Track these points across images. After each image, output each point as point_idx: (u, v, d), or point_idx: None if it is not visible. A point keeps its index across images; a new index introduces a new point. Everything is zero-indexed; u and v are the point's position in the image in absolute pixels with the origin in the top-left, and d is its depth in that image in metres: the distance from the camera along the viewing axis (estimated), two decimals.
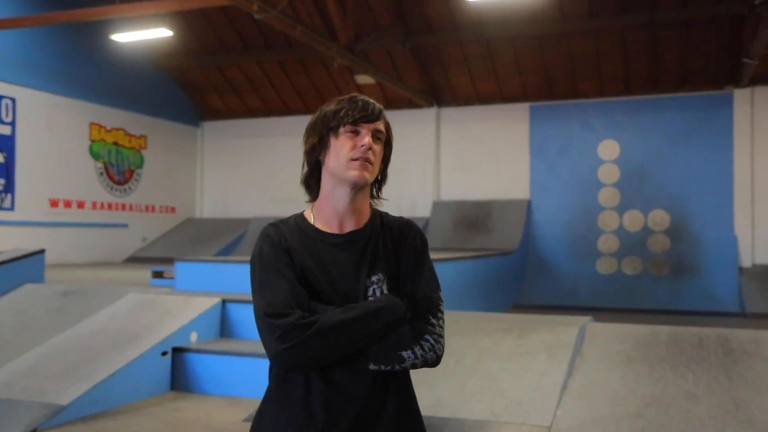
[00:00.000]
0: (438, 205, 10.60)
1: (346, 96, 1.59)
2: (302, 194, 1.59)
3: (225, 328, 5.22)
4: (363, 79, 10.22)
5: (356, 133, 1.54)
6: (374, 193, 1.62)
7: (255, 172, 11.82)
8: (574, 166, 10.32)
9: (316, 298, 1.51)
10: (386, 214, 1.63)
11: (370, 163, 1.53)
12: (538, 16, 9.19)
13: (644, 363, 3.97)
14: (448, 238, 9.97)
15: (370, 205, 1.62)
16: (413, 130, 10.80)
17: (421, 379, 2.93)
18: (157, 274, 6.76)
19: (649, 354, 4.06)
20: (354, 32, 8.73)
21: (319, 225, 1.58)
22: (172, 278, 6.22)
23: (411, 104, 10.87)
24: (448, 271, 6.31)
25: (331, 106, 1.57)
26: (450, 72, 10.39)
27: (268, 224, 1.59)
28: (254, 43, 10.52)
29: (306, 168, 1.58)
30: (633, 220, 9.95)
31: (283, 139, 11.54)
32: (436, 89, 10.61)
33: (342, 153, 1.52)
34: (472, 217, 10.16)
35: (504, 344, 4.37)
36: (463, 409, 3.54)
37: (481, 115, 10.75)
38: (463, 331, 4.36)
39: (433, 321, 1.53)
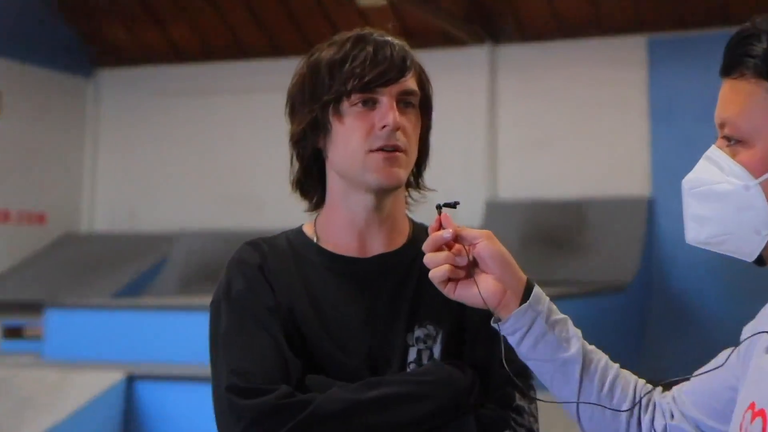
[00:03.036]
0: (494, 208, 8.84)
1: (347, 35, 1.32)
2: (280, 196, 1.48)
3: (133, 427, 4.64)
4: None
5: (371, 103, 1.27)
6: (414, 184, 1.38)
7: (188, 154, 9.78)
8: None
9: (316, 368, 1.26)
10: None
11: (402, 151, 1.28)
12: None
13: None
14: None
15: (407, 214, 1.40)
16: (451, 83, 8.50)
17: None
18: (13, 332, 6.41)
19: None
20: None
21: (328, 245, 1.34)
22: (39, 338, 5.82)
23: (446, 40, 8.92)
24: None
25: (324, 53, 1.31)
26: None
27: (245, 244, 1.36)
28: None
29: (297, 163, 1.35)
30: None
31: (236, 98, 9.46)
32: (489, 14, 8.75)
33: (353, 142, 1.27)
34: (552, 227, 8.59)
35: None
36: None
37: (565, 56, 8.72)
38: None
39: (521, 404, 1.29)
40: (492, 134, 9.05)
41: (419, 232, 1.37)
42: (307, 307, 1.29)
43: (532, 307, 1.18)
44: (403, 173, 1.30)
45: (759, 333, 1.07)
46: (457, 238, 1.17)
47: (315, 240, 1.36)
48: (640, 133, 8.38)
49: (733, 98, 1.04)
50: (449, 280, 1.17)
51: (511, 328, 1.17)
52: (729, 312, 7.82)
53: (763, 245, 1.01)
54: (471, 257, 1.18)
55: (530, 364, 1.20)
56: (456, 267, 1.17)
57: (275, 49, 9.47)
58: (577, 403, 1.19)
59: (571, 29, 8.64)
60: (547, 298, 1.20)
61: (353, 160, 1.28)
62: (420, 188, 1.39)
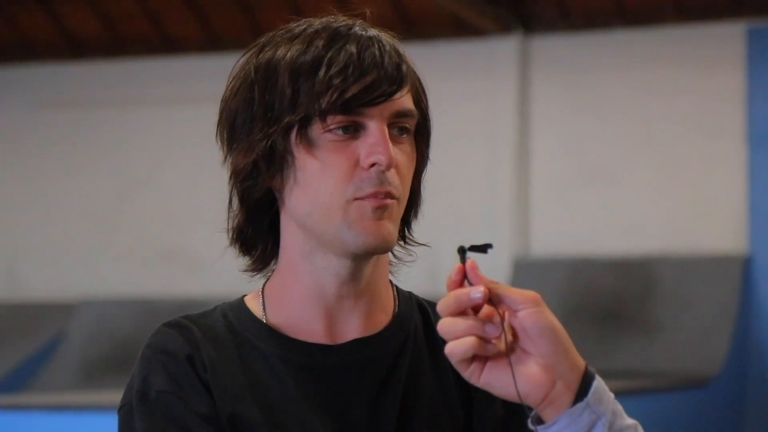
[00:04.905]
0: (525, 268, 8.59)
1: (313, 24, 1.26)
2: (223, 250, 1.37)
3: None
4: None
5: (353, 130, 1.23)
6: (402, 236, 1.38)
7: (92, 190, 9.54)
8: None
9: None
10: (435, 305, 1.32)
11: (395, 198, 1.26)
12: None
13: None
14: None
15: (390, 281, 1.40)
16: (465, 88, 8.52)
17: None
18: None
19: None
20: None
21: (283, 327, 1.31)
22: None
23: (460, 28, 8.71)
24: None
25: (283, 51, 1.24)
26: None
27: (164, 326, 1.30)
28: None
29: (238, 208, 1.30)
30: None
31: (160, 110, 9.17)
32: None
33: (328, 185, 1.24)
34: (607, 296, 8.28)
35: None
36: None
37: (628, 52, 8.27)
38: None
39: None
40: (522, 164, 8.46)
41: (407, 304, 1.36)
42: (256, 414, 1.24)
43: (592, 407, 1.11)
44: (394, 229, 1.26)
45: None
46: (490, 300, 1.10)
47: (263, 318, 1.30)
48: (733, 164, 7.90)
49: None
50: (473, 358, 1.10)
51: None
52: None
53: None
54: (506, 327, 1.11)
55: None
56: (485, 340, 1.10)
57: (215, 42, 8.98)
58: None
59: (638, 13, 8.15)
60: (611, 395, 1.15)
61: (329, 210, 1.22)
62: (407, 243, 1.35)
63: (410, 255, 1.35)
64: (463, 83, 8.47)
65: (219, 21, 9.06)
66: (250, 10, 8.70)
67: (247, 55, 1.25)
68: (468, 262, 1.09)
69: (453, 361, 1.09)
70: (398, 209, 1.26)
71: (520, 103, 8.45)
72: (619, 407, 1.14)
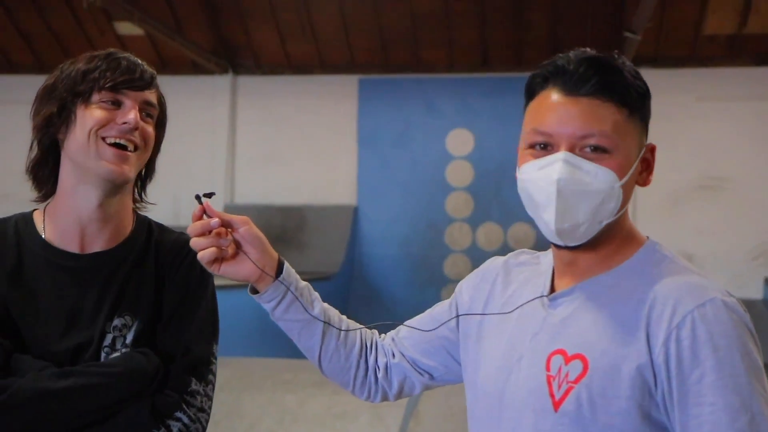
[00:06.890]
0: (232, 211, 8.23)
1: (103, 52, 1.49)
2: (28, 190, 1.47)
3: None
4: (125, 28, 9.24)
5: (117, 104, 1.46)
6: (137, 193, 1.56)
7: None
8: (416, 163, 9.80)
9: (25, 350, 1.41)
10: (164, 227, 1.58)
11: (135, 151, 1.44)
12: None
13: None
14: None
15: (134, 211, 1.55)
16: (198, 105, 9.88)
17: None
18: None
19: None
20: None
21: (52, 238, 1.48)
22: None
23: (195, 68, 10.10)
24: (235, 302, 5.17)
25: (78, 65, 1.47)
26: (252, 27, 9.65)
27: None
28: None
29: (36, 150, 1.49)
30: (489, 236, 9.65)
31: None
32: (232, 49, 9.99)
33: (91, 127, 1.43)
34: (278, 228, 9.55)
35: (314, 403, 4.40)
36: None
37: (293, 88, 10.04)
38: (258, 386, 4.37)
39: (195, 388, 1.48)
40: (231, 150, 9.90)
41: (141, 227, 1.56)
42: (20, 293, 1.46)
43: (285, 280, 1.42)
44: (129, 171, 1.46)
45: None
46: (223, 224, 1.34)
47: (42, 231, 1.50)
48: (350, 154, 9.55)
49: (601, 115, 1.27)
50: (215, 260, 1.35)
51: (269, 297, 1.42)
52: (407, 294, 9.31)
53: (594, 233, 1.29)
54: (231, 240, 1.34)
55: (281, 324, 1.46)
56: (220, 249, 1.34)
57: (40, 65, 9.77)
58: (320, 351, 1.50)
59: (298, 66, 9.67)
60: (293, 271, 1.45)
61: (88, 144, 1.44)
62: (142, 201, 1.56)
63: (146, 208, 1.59)
64: (198, 102, 9.82)
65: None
66: (60, 42, 9.53)
67: (58, 69, 1.52)
68: (205, 203, 1.33)
69: (203, 263, 1.34)
70: (137, 161, 1.48)
71: (231, 116, 9.97)
72: (298, 276, 1.47)
